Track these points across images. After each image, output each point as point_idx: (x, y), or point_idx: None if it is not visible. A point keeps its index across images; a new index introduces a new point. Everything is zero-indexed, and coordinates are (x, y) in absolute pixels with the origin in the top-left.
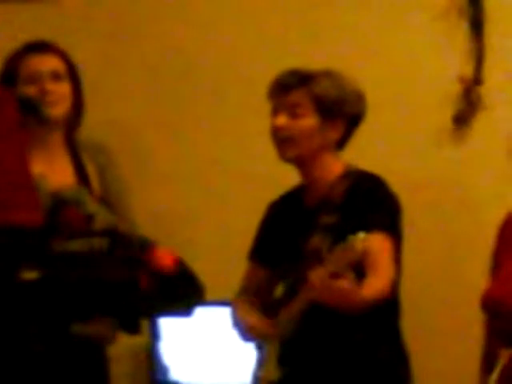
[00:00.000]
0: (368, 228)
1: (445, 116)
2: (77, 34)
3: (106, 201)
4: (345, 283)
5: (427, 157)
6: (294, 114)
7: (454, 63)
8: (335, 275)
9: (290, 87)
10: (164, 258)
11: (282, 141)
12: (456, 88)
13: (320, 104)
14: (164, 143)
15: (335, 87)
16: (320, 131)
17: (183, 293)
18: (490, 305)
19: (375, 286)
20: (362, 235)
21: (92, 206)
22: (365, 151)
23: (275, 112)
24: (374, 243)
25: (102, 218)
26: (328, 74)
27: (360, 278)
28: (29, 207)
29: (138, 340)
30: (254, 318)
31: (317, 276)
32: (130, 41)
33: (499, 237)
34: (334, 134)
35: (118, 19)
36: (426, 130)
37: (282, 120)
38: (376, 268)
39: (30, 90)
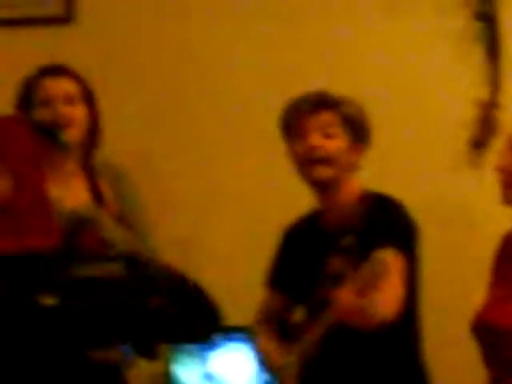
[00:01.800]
0: (382, 245)
1: (461, 140)
2: (92, 57)
3: (124, 222)
4: (369, 302)
5: (443, 181)
6: (326, 134)
7: (470, 87)
8: (361, 293)
9: (322, 107)
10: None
11: (318, 161)
12: (472, 112)
13: (350, 126)
14: (181, 166)
15: (360, 111)
16: (348, 153)
17: (200, 318)
18: (481, 328)
19: (388, 306)
20: (386, 251)
21: (109, 226)
22: (380, 175)
23: (305, 132)
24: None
25: (120, 241)
26: (352, 100)
27: None
28: (45, 231)
29: (156, 366)
30: (270, 347)
31: (343, 296)
32: (147, 61)
33: (493, 261)
34: (358, 157)
35: (135, 40)
36: (442, 154)
37: (317, 139)
38: (387, 288)
39: (44, 114)
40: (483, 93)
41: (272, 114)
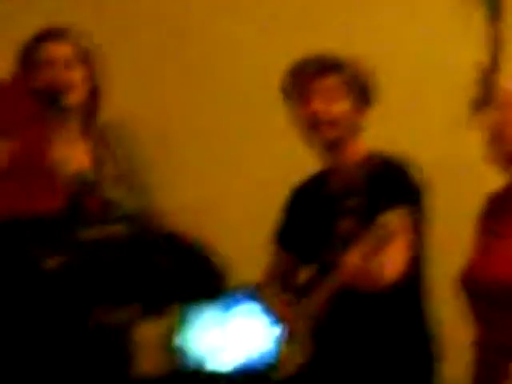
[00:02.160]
0: (390, 205)
1: (461, 103)
2: (103, 16)
3: (126, 182)
4: (375, 265)
5: (443, 143)
6: (329, 98)
7: (472, 50)
8: (367, 256)
9: (325, 70)
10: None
11: (322, 123)
12: (473, 75)
13: (354, 88)
14: (189, 133)
15: (365, 73)
16: (353, 115)
17: (206, 276)
18: (468, 282)
19: (394, 267)
20: (392, 214)
21: (111, 189)
22: (381, 137)
23: (308, 97)
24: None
25: (123, 202)
26: (357, 62)
27: None
28: (50, 194)
29: (163, 326)
30: (279, 302)
31: (349, 259)
32: (163, 32)
33: (477, 221)
34: (361, 119)
35: (153, 13)
36: (442, 116)
37: (319, 104)
38: (392, 249)
39: (43, 78)
40: (484, 56)
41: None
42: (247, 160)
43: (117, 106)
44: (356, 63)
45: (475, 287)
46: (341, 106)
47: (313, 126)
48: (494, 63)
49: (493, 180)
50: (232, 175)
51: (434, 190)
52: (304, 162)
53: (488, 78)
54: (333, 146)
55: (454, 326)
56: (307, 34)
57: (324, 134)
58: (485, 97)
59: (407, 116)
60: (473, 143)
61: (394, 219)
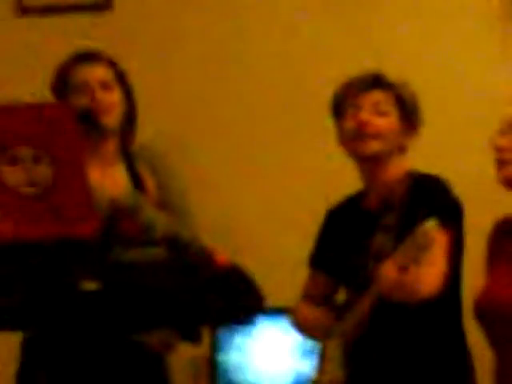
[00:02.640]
0: (426, 220)
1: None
2: (130, 43)
3: (164, 206)
4: (412, 277)
5: (481, 162)
6: (377, 112)
7: (509, 69)
8: (404, 267)
9: (375, 85)
10: (223, 263)
11: (367, 135)
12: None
13: (402, 106)
14: (220, 146)
15: (412, 94)
16: (398, 133)
17: (243, 301)
18: (484, 309)
19: (431, 280)
20: (431, 222)
21: (150, 213)
22: (419, 156)
23: (357, 108)
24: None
25: (160, 226)
26: (404, 82)
27: None
28: (87, 219)
29: (198, 349)
30: (318, 313)
31: (385, 271)
32: (184, 48)
33: (488, 245)
34: (407, 139)
35: (171, 27)
36: (480, 135)
37: (367, 115)
38: (431, 262)
39: (81, 100)
40: None
41: (312, 97)
42: (278, 177)
43: (150, 127)
44: (406, 84)
45: (490, 313)
46: (387, 121)
47: (358, 137)
48: None
49: None
50: (272, 195)
51: (471, 209)
52: (338, 182)
53: None
54: (375, 160)
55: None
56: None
57: (368, 146)
58: None
59: (446, 135)
60: None
61: (432, 228)
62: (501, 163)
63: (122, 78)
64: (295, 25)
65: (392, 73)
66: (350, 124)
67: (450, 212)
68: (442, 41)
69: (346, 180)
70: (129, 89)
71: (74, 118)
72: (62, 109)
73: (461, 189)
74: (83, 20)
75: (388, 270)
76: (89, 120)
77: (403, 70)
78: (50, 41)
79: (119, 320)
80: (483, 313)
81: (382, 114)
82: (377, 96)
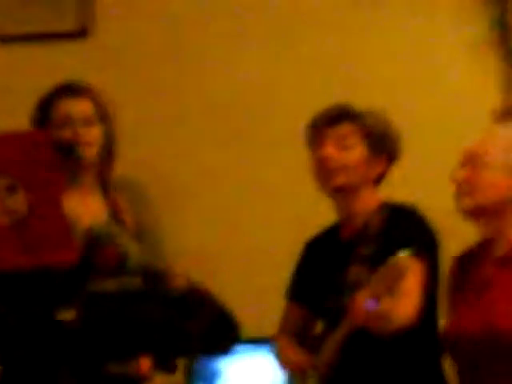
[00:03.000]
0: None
1: None
2: (108, 70)
3: (139, 237)
4: (386, 306)
5: None
6: (342, 146)
7: (487, 96)
8: (378, 297)
9: (341, 119)
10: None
11: (331, 170)
12: (489, 119)
13: (369, 137)
14: (194, 181)
15: (382, 123)
16: (366, 164)
17: (220, 332)
18: (451, 342)
19: (405, 311)
20: (404, 253)
21: (125, 241)
22: (400, 183)
23: (322, 143)
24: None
25: (136, 255)
26: (374, 111)
27: None
28: (64, 247)
29: (174, 379)
30: (296, 353)
31: (359, 301)
32: (163, 74)
33: (450, 278)
34: (376, 169)
35: (151, 53)
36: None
37: (331, 150)
38: (405, 293)
39: (63, 134)
40: (500, 100)
41: (288, 126)
42: (255, 206)
43: (128, 156)
44: (373, 113)
45: (454, 346)
46: (353, 154)
47: (323, 171)
48: (508, 110)
49: None
50: (248, 224)
51: (447, 240)
52: (316, 211)
53: (505, 121)
54: (342, 194)
55: None
56: (318, 85)
57: (332, 180)
58: None
59: (422, 163)
60: None
61: (405, 259)
62: (458, 195)
63: (104, 113)
64: (260, 53)
65: (365, 102)
66: (316, 158)
67: (424, 243)
68: (419, 70)
69: (324, 210)
70: (110, 122)
71: (51, 146)
72: (39, 137)
73: (439, 220)
74: (58, 48)
75: (361, 301)
76: (70, 153)
77: (379, 99)
78: (26, 69)
79: (96, 350)
80: (450, 346)
81: (346, 147)
82: (343, 129)
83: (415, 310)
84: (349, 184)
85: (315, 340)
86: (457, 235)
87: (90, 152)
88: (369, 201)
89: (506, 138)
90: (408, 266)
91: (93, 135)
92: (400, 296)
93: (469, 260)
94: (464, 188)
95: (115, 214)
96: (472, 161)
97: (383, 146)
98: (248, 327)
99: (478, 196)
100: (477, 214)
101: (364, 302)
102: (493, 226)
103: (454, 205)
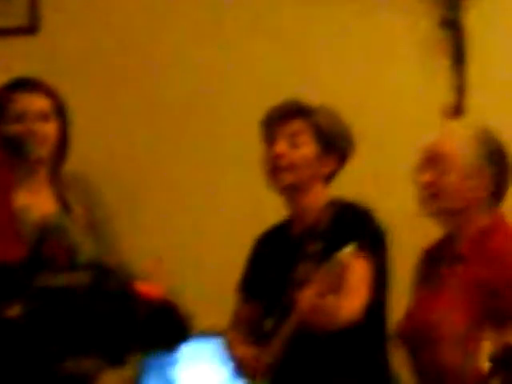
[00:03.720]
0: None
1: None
2: (58, 67)
3: (91, 233)
4: (330, 302)
5: (411, 187)
6: (293, 143)
7: (437, 94)
8: (322, 294)
9: (291, 116)
10: (150, 290)
11: (281, 168)
12: (438, 118)
13: (320, 135)
14: (154, 179)
15: (334, 121)
16: (316, 162)
17: (169, 325)
18: (405, 332)
19: (350, 307)
20: (348, 248)
21: (75, 235)
22: (346, 183)
23: (273, 140)
24: (353, 265)
25: (86, 249)
26: (327, 109)
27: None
28: (10, 241)
29: (126, 374)
30: (244, 347)
31: (305, 297)
32: (114, 70)
33: (415, 272)
34: (327, 167)
35: (101, 49)
36: (409, 160)
37: (282, 147)
38: (351, 290)
39: (17, 129)
40: (449, 99)
41: (246, 123)
42: (217, 206)
43: (80, 154)
44: (325, 110)
45: (407, 338)
46: (303, 152)
47: (272, 169)
48: (458, 108)
49: None
50: (201, 222)
51: (397, 238)
52: (268, 208)
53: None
54: (292, 191)
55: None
56: (279, 81)
57: (281, 178)
58: None
59: (372, 162)
60: None
61: (347, 255)
62: (423, 199)
63: (60, 109)
64: (219, 47)
65: (314, 99)
66: (266, 156)
67: (371, 240)
68: (369, 66)
69: (276, 205)
70: (65, 119)
71: None
72: None
73: (392, 217)
74: (7, 44)
75: (306, 297)
76: (17, 148)
77: (336, 99)
78: None
79: (44, 346)
80: (404, 336)
81: (297, 145)
82: (292, 127)
83: (360, 306)
84: (297, 182)
85: (265, 335)
86: (412, 233)
87: (43, 149)
88: (318, 198)
89: (462, 138)
90: (349, 262)
91: (47, 131)
92: (345, 293)
93: (434, 254)
94: (428, 192)
95: (66, 210)
96: (433, 163)
97: (334, 144)
98: (200, 321)
99: (443, 200)
100: (441, 215)
101: (308, 299)
102: (454, 224)
103: (417, 206)
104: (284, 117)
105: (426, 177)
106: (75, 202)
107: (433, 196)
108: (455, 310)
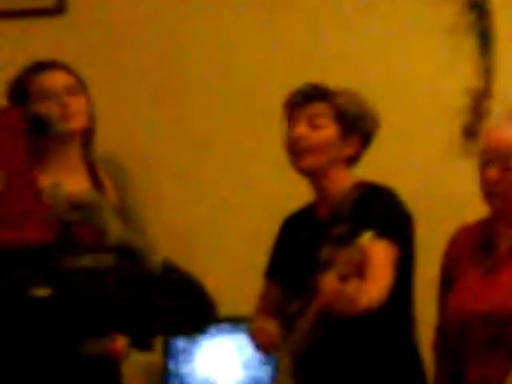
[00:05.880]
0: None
1: (454, 129)
2: (85, 48)
3: (122, 214)
4: (351, 287)
5: (436, 170)
6: (313, 125)
7: (464, 77)
8: (344, 278)
9: (313, 98)
10: None
11: (301, 150)
12: (464, 102)
13: (341, 117)
14: (176, 155)
15: (356, 103)
16: (337, 144)
17: (195, 309)
18: (453, 317)
19: (373, 292)
20: (367, 234)
21: (107, 212)
22: (373, 165)
23: (294, 122)
24: (376, 249)
25: (116, 232)
26: (348, 91)
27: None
28: (40, 224)
29: (151, 357)
30: (268, 329)
31: (326, 281)
32: (140, 54)
33: (450, 253)
34: (349, 149)
35: (127, 32)
36: (436, 143)
37: (302, 129)
38: (373, 274)
39: (45, 107)
40: (475, 82)
41: (269, 113)
42: (238, 184)
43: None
44: (346, 92)
45: (468, 321)
46: (323, 134)
47: (293, 151)
48: (485, 90)
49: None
50: (217, 203)
51: (426, 218)
52: (290, 188)
53: (479, 105)
54: (315, 173)
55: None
56: (297, 66)
57: (302, 161)
58: (476, 124)
59: (399, 144)
60: (465, 170)
61: (367, 240)
62: (489, 195)
63: (83, 85)
64: (238, 34)
65: (341, 82)
66: (287, 138)
67: (396, 223)
68: (393, 52)
69: (301, 190)
70: (88, 95)
71: (24, 122)
72: (12, 113)
73: (412, 201)
74: (35, 25)
75: (328, 280)
76: (45, 126)
77: (352, 79)
78: (1, 46)
79: (70, 327)
80: (455, 320)
81: (317, 127)
82: (314, 109)
83: (382, 291)
84: (316, 165)
85: (291, 318)
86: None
87: (77, 123)
88: (342, 181)
89: None
90: (369, 247)
91: (78, 105)
92: (367, 277)
93: (483, 238)
94: (495, 189)
95: (98, 188)
96: (500, 161)
97: (356, 126)
98: (225, 306)
99: (508, 199)
100: (501, 213)
101: (330, 282)
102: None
103: (485, 202)
104: (304, 99)
105: (491, 173)
106: (108, 183)
107: (498, 194)
108: None
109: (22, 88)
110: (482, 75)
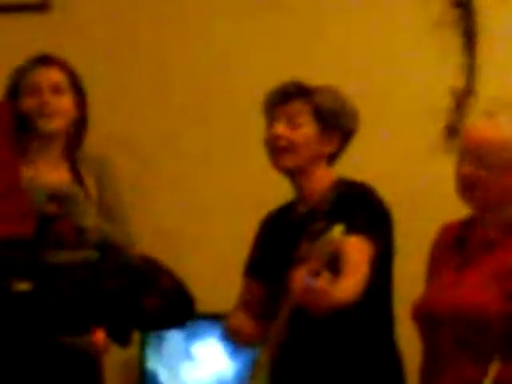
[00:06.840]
0: (349, 229)
1: (437, 127)
2: (73, 44)
3: (104, 212)
4: (322, 281)
5: (420, 167)
6: (292, 124)
7: (447, 75)
8: (315, 273)
9: (291, 96)
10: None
11: (280, 149)
12: (448, 99)
13: (320, 115)
14: (165, 155)
15: (335, 100)
16: (317, 142)
17: (175, 306)
18: (421, 315)
19: (346, 287)
20: (338, 227)
21: (87, 210)
22: (357, 164)
23: (273, 121)
24: (351, 245)
25: (95, 228)
26: (328, 88)
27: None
28: (19, 218)
29: (129, 352)
30: (248, 327)
31: (296, 277)
32: (125, 50)
33: (433, 252)
34: (329, 147)
35: (112, 29)
36: (419, 140)
37: (281, 128)
38: (349, 270)
39: (30, 102)
40: (459, 80)
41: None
42: (223, 187)
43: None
44: (326, 89)
45: (436, 319)
46: (301, 132)
47: (272, 150)
48: (468, 89)
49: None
50: (206, 204)
51: (409, 216)
52: (271, 186)
53: (463, 103)
54: (295, 173)
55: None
56: (281, 63)
57: (281, 160)
58: (459, 122)
59: (381, 142)
60: (448, 168)
61: (337, 234)
62: (463, 190)
63: (76, 84)
64: (238, 34)
65: (323, 80)
66: (266, 136)
67: (374, 219)
68: (376, 50)
69: (284, 189)
70: (82, 96)
71: (9, 116)
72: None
73: (396, 199)
74: (21, 20)
75: (298, 276)
76: (28, 123)
77: (341, 78)
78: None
79: (50, 321)
80: (424, 317)
81: (296, 125)
82: (293, 107)
83: (357, 286)
84: (297, 163)
85: (270, 315)
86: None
87: (54, 124)
88: (322, 178)
89: (504, 135)
90: (340, 241)
91: (60, 105)
92: (340, 273)
93: (459, 237)
94: (469, 184)
95: (78, 182)
96: (476, 157)
97: (335, 123)
98: (204, 302)
99: (482, 194)
100: (481, 207)
101: (299, 279)
102: (488, 215)
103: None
104: (284, 98)
105: (465, 169)
106: (89, 179)
107: (472, 189)
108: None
109: (15, 82)
110: (465, 73)
